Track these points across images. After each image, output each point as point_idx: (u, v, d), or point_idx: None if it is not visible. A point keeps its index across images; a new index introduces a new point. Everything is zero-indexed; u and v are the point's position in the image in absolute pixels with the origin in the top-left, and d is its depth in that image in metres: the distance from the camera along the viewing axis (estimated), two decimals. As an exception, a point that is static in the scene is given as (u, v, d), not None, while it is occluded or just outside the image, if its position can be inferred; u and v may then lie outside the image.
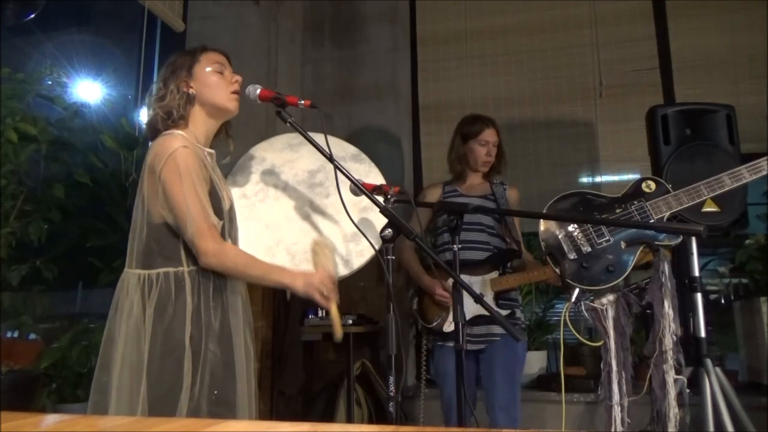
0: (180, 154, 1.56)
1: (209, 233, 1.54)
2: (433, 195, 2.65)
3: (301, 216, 1.94)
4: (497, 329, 2.36)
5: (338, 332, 1.65)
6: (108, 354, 1.54)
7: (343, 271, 1.87)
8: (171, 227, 1.58)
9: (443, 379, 2.48)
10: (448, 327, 2.39)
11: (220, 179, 1.70)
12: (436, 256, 1.62)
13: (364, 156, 2.05)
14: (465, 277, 2.42)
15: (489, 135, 2.59)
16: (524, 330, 2.53)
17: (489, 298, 2.40)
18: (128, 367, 1.49)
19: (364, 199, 1.87)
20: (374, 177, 1.96)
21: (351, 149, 2.06)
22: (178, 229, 1.56)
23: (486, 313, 2.33)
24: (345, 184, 1.71)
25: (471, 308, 2.33)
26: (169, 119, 1.65)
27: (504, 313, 2.41)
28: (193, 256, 1.57)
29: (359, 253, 1.88)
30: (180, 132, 1.64)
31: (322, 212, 1.94)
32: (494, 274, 2.44)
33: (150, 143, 1.66)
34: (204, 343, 1.54)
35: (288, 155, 2.02)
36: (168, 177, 1.55)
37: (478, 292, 2.38)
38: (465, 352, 2.40)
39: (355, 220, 1.77)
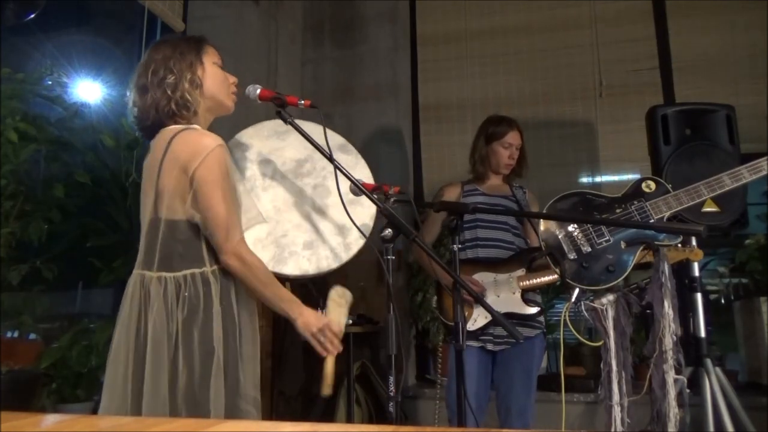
0: (219, 153, 1.52)
1: (244, 239, 1.54)
2: (452, 194, 2.61)
3: (290, 207, 1.91)
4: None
5: (327, 387, 1.61)
6: (122, 361, 1.48)
7: (331, 264, 1.85)
8: (194, 226, 1.53)
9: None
10: (471, 325, 2.37)
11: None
12: (436, 256, 1.62)
13: (350, 147, 2.03)
14: (490, 275, 2.41)
15: (513, 138, 2.56)
16: (543, 333, 2.51)
17: (517, 295, 2.39)
18: (159, 377, 1.44)
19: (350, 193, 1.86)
20: (361, 168, 1.95)
21: (338, 139, 2.01)
22: (205, 229, 1.52)
23: (515, 311, 2.37)
24: (344, 184, 1.71)
25: (500, 306, 2.34)
26: (186, 111, 1.60)
27: (533, 311, 2.39)
28: (215, 256, 1.54)
29: (347, 245, 1.87)
30: (200, 128, 1.60)
31: (310, 203, 1.92)
32: (521, 272, 2.42)
33: (170, 135, 1.56)
34: (233, 343, 1.53)
35: (275, 143, 1.97)
36: (206, 178, 1.50)
37: (504, 288, 2.39)
38: (486, 352, 2.41)
39: (342, 217, 1.76)
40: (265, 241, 1.85)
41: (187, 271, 1.51)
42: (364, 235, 1.73)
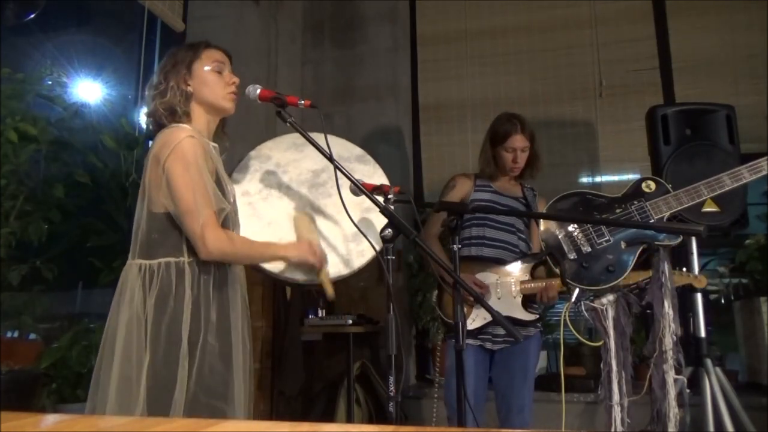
0: (187, 143, 1.57)
1: (212, 224, 1.55)
2: (464, 187, 2.53)
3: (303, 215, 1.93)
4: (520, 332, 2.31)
5: (330, 290, 1.78)
6: (109, 347, 1.54)
7: (343, 270, 1.87)
8: (173, 217, 1.58)
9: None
10: (469, 324, 2.35)
11: (222, 173, 1.71)
12: (436, 256, 1.61)
13: (368, 157, 2.05)
14: (492, 275, 2.39)
15: (516, 141, 2.44)
16: (541, 332, 2.50)
17: (518, 299, 2.36)
18: (128, 358, 1.49)
19: (366, 200, 1.87)
20: (378, 178, 1.95)
21: (356, 150, 2.06)
22: (176, 218, 1.57)
23: (514, 316, 2.33)
24: (345, 185, 1.71)
25: (500, 308, 2.30)
26: (173, 116, 1.66)
27: (532, 317, 2.36)
28: (192, 247, 1.58)
29: (360, 253, 1.88)
30: (185, 125, 1.65)
31: (324, 212, 1.94)
32: (524, 276, 2.38)
33: (155, 136, 1.66)
34: (202, 335, 1.54)
35: (292, 155, 2.01)
36: (173, 166, 1.55)
37: (506, 291, 2.36)
38: (484, 351, 2.41)
39: (357, 221, 1.77)
40: None
41: (162, 260, 1.57)
42: (372, 245, 1.73)
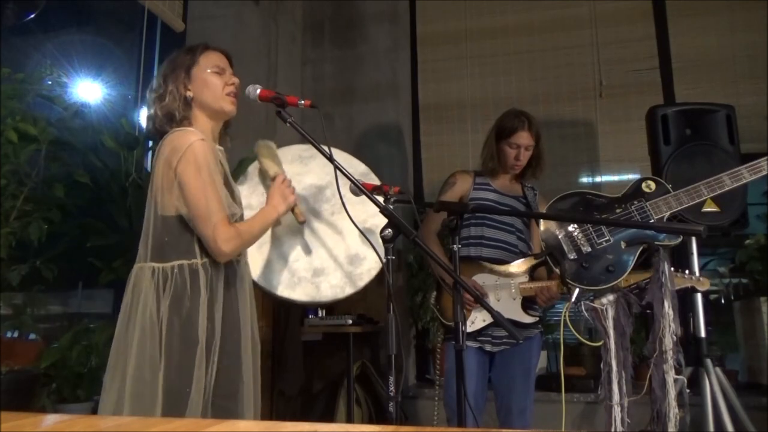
0: (198, 146, 1.58)
1: (225, 225, 1.57)
2: (464, 184, 2.53)
3: (305, 232, 1.93)
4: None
5: (301, 217, 1.85)
6: (122, 351, 1.53)
7: (338, 294, 1.90)
8: (184, 220, 1.59)
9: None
10: (469, 327, 2.33)
11: (230, 177, 1.71)
12: (436, 256, 1.61)
13: (373, 176, 2.05)
14: (492, 277, 2.38)
15: (521, 138, 2.42)
16: (541, 333, 2.50)
17: (518, 301, 2.35)
18: (142, 362, 1.49)
19: (368, 219, 1.87)
20: (381, 197, 1.96)
21: (360, 167, 2.05)
22: (190, 221, 1.57)
23: (514, 318, 2.32)
24: (345, 187, 1.71)
25: (500, 310, 2.29)
26: (172, 122, 1.67)
27: (532, 320, 2.36)
28: (205, 249, 1.59)
29: (358, 276, 1.91)
30: (192, 129, 1.65)
31: (326, 229, 1.94)
32: (523, 278, 2.37)
33: (161, 140, 1.65)
34: (216, 336, 1.56)
35: (297, 168, 2.01)
36: (185, 169, 1.56)
37: (505, 293, 2.35)
38: (484, 353, 2.40)
39: (359, 240, 1.77)
40: (275, 264, 1.86)
41: (176, 262, 1.57)
42: (380, 258, 1.73)
